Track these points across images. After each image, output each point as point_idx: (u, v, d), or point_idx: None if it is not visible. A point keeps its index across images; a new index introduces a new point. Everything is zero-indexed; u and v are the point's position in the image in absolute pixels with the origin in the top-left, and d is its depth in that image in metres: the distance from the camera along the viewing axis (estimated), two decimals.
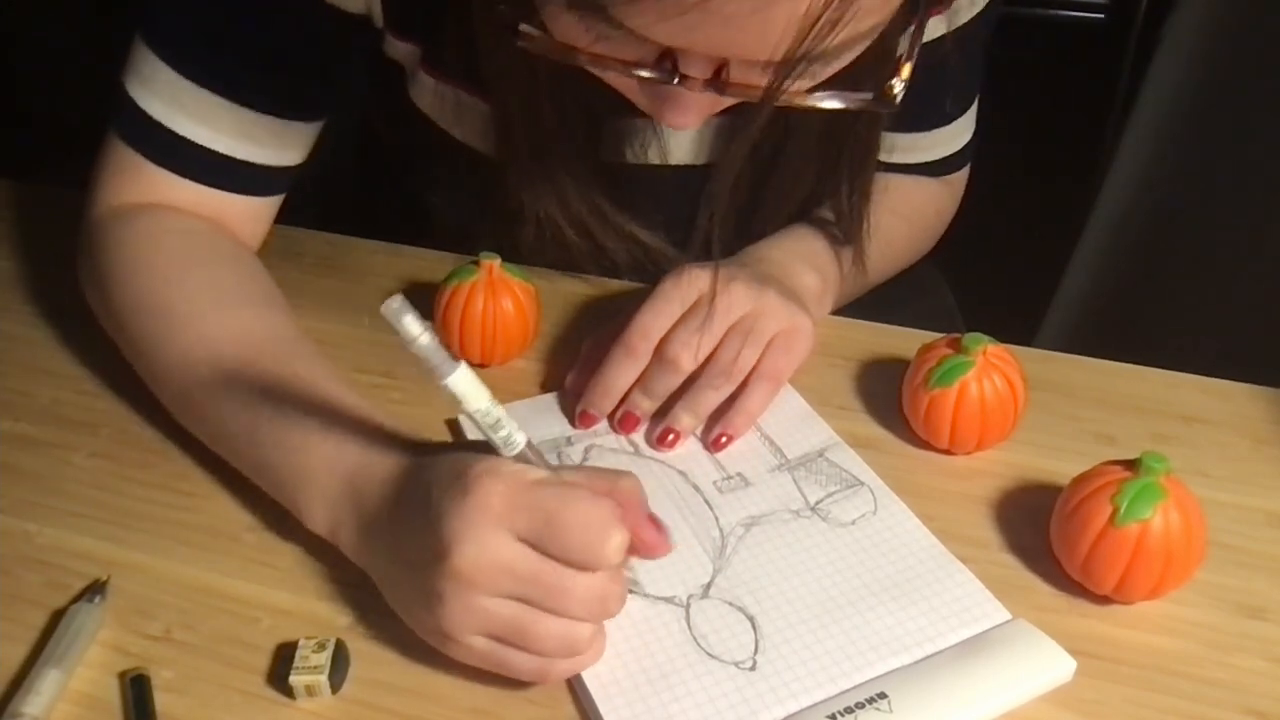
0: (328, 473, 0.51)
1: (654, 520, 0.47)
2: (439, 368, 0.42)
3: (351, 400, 0.54)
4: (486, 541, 0.43)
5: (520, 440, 0.45)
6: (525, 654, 0.45)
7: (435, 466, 0.47)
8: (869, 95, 0.45)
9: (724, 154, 0.43)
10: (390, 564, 0.48)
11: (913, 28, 0.46)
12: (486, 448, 0.46)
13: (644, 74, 0.43)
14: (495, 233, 0.66)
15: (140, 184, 0.63)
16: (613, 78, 0.47)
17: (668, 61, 0.43)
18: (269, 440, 0.53)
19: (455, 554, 0.43)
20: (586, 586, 0.44)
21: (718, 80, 0.43)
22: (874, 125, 0.64)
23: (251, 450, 0.54)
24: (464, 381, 0.43)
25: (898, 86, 0.45)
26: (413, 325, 0.41)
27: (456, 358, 0.43)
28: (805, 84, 0.43)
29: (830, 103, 0.45)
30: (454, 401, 0.43)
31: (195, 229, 0.63)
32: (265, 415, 0.53)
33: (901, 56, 0.45)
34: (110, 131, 0.63)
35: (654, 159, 0.68)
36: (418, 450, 0.50)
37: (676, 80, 0.43)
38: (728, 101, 0.46)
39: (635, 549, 0.46)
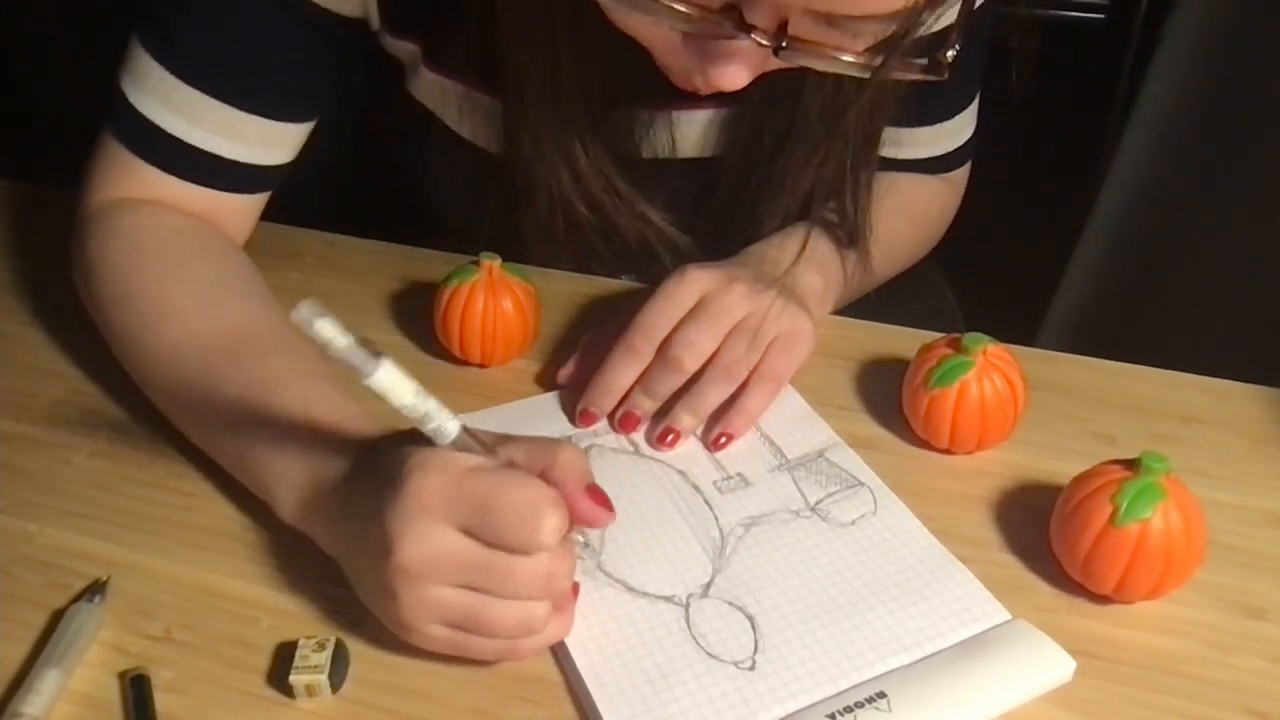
0: (297, 470, 0.51)
1: (595, 492, 0.46)
2: (361, 368, 0.41)
3: (324, 394, 0.54)
4: (425, 536, 0.43)
5: (453, 429, 0.44)
6: (486, 638, 0.45)
7: (378, 462, 0.47)
8: (923, 61, 0.46)
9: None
10: (352, 558, 0.49)
11: None
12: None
13: (708, 22, 0.44)
14: (496, 219, 0.66)
15: (130, 181, 0.63)
16: (659, 34, 0.48)
17: (734, 10, 0.44)
18: (245, 437, 0.53)
19: (397, 551, 0.43)
20: (530, 569, 0.44)
21: (781, 34, 0.44)
22: (878, 113, 0.64)
23: (230, 446, 0.54)
24: (387, 379, 0.42)
25: (949, 55, 0.45)
26: (327, 329, 0.40)
27: (378, 354, 0.41)
28: (861, 44, 0.44)
29: (886, 70, 0.45)
30: (380, 399, 0.42)
31: (182, 225, 0.63)
32: (242, 412, 0.53)
33: (955, 25, 0.45)
34: (105, 129, 0.64)
35: (663, 151, 0.68)
36: (370, 445, 0.50)
37: (739, 34, 0.44)
38: (774, 65, 0.47)
39: (578, 521, 0.46)
